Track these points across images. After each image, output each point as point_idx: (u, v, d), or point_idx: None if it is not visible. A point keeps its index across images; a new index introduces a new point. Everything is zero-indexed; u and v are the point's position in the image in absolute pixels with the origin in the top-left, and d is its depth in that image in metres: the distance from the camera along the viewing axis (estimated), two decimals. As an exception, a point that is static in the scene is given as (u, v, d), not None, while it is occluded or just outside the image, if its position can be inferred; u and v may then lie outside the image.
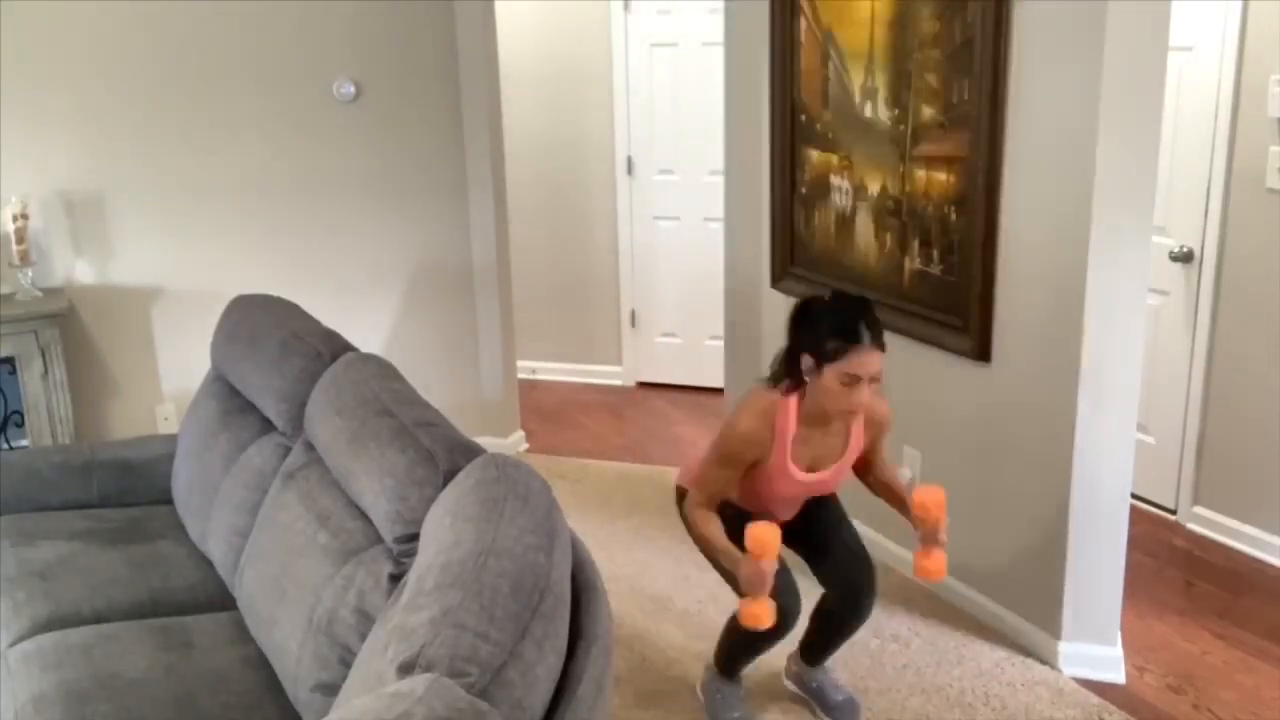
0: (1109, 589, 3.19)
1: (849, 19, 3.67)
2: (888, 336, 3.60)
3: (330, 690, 2.10)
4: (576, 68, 5.72)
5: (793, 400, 2.64)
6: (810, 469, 2.72)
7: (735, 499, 2.76)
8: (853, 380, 2.51)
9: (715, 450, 2.72)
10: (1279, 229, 3.70)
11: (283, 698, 2.28)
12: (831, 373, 2.52)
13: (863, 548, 2.90)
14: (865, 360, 2.51)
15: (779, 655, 3.21)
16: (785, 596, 2.69)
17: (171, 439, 3.37)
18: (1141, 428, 3.84)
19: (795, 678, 3.10)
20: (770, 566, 2.49)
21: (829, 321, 2.54)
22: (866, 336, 2.51)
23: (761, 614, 2.54)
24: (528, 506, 1.88)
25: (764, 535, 2.47)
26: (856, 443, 2.75)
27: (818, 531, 2.88)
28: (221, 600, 2.73)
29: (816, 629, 2.99)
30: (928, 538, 2.66)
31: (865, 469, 2.87)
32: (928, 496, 2.65)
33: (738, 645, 2.93)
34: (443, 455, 2.18)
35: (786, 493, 2.76)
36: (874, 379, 2.54)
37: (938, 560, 2.67)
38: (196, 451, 3.09)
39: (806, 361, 2.57)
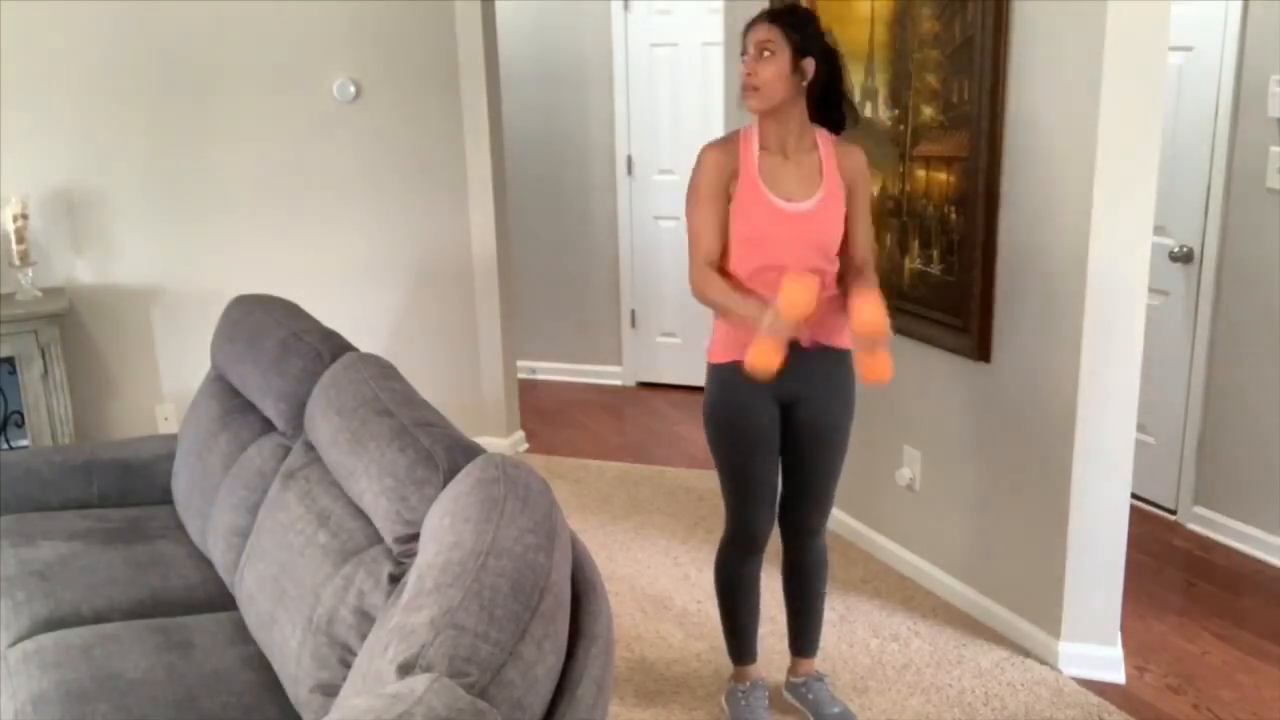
0: (1109, 589, 3.19)
1: (849, 19, 3.67)
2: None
3: (330, 690, 2.10)
4: (576, 68, 5.72)
5: (753, 128, 2.69)
6: (788, 200, 2.66)
7: (729, 277, 2.69)
8: (751, 52, 2.62)
9: (690, 193, 2.72)
10: (1279, 229, 3.70)
11: (283, 698, 2.28)
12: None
13: (826, 508, 2.95)
14: (754, 30, 2.63)
15: (781, 668, 3.21)
16: (761, 520, 2.84)
17: (171, 439, 3.37)
18: (1141, 428, 3.84)
19: (793, 688, 3.10)
20: (794, 327, 2.48)
21: None
22: (766, 15, 2.64)
23: (769, 352, 2.49)
24: (528, 506, 1.88)
25: (796, 292, 2.45)
26: (832, 175, 2.69)
27: (808, 474, 2.87)
28: (221, 600, 2.73)
29: (788, 599, 3.05)
30: (868, 346, 2.58)
31: (844, 246, 2.74)
32: (864, 315, 2.53)
33: (728, 599, 2.98)
34: (443, 455, 2.18)
35: (773, 231, 2.65)
36: (763, 47, 2.60)
37: (882, 360, 2.57)
38: (196, 451, 3.09)
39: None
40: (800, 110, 2.67)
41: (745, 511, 2.86)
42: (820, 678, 3.06)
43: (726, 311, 2.67)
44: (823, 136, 2.72)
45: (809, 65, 2.62)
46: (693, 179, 2.71)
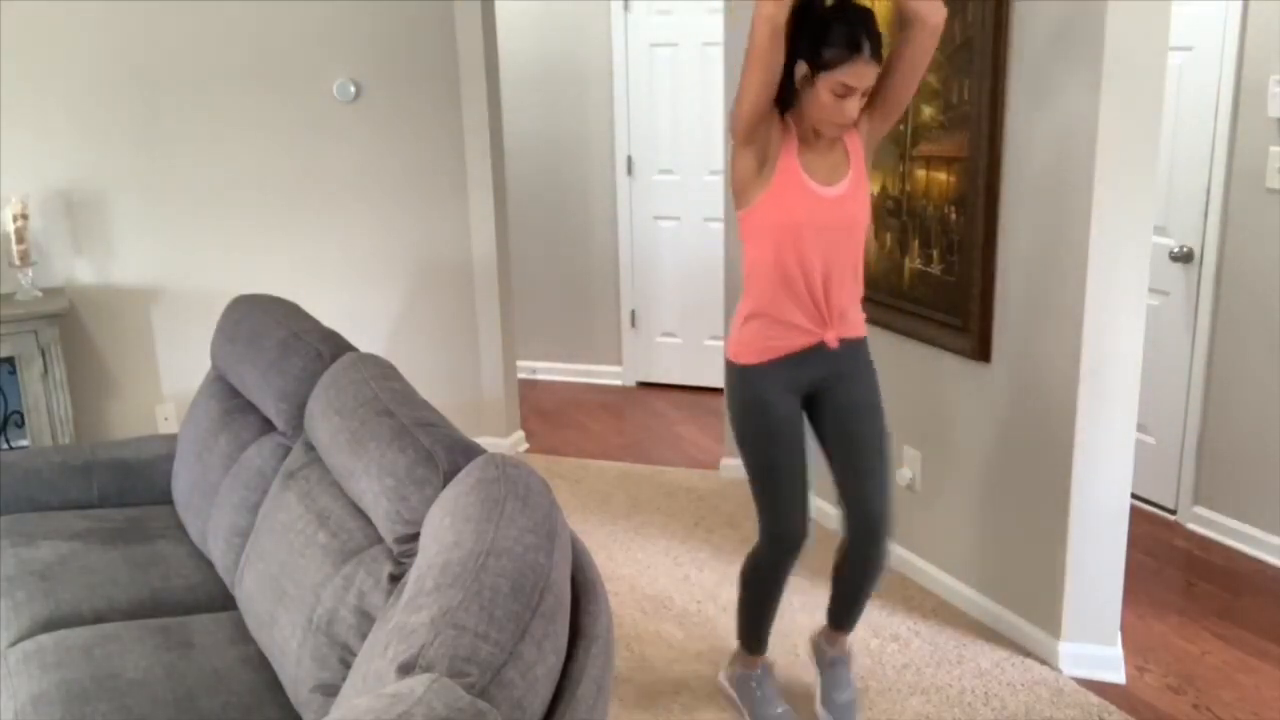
0: (1109, 589, 3.19)
1: (849, 19, 3.67)
2: (888, 336, 3.64)
3: (330, 690, 2.11)
4: (576, 68, 5.73)
5: (790, 120, 2.62)
6: (826, 185, 2.63)
7: (758, 277, 2.67)
8: (847, 91, 2.50)
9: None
10: (1279, 229, 3.70)
11: (283, 698, 2.28)
12: (825, 83, 2.50)
13: (887, 492, 2.83)
14: (862, 72, 2.49)
15: (779, 663, 3.21)
16: (795, 518, 2.76)
17: (171, 439, 3.37)
18: (1141, 428, 3.85)
19: (821, 653, 3.08)
20: None
21: (831, 30, 2.49)
22: (868, 48, 2.48)
23: None
24: (528, 506, 1.88)
25: None
26: (856, 154, 2.67)
27: (856, 451, 2.80)
28: (221, 600, 2.73)
29: (840, 587, 2.97)
30: None
31: (888, 90, 2.63)
32: None
33: (754, 597, 2.93)
34: (443, 455, 2.18)
35: (812, 216, 2.62)
36: (865, 92, 2.53)
37: None
38: (196, 451, 3.09)
39: (800, 69, 2.53)
40: None
41: (782, 507, 2.78)
42: (846, 657, 3.06)
43: None
44: None
45: None
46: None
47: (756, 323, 2.71)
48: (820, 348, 2.72)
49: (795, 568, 2.88)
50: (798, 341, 2.70)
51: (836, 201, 2.64)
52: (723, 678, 3.11)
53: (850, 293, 2.73)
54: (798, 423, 2.77)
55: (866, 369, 2.82)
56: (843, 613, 3.03)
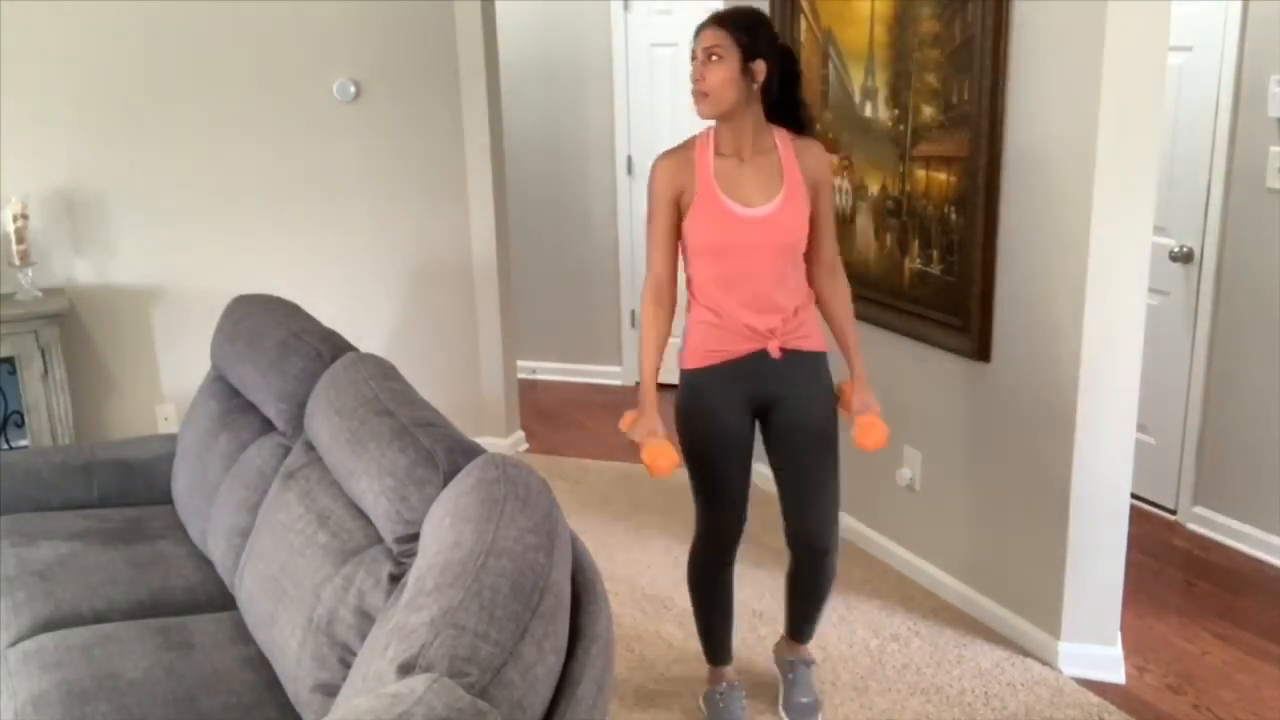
0: (1109, 589, 3.19)
1: (849, 19, 3.67)
2: (888, 336, 3.64)
3: (330, 690, 2.11)
4: (576, 68, 5.72)
5: (710, 133, 2.68)
6: (747, 206, 2.64)
7: (695, 285, 2.74)
8: (696, 54, 2.61)
9: (648, 206, 2.71)
10: (1279, 229, 3.70)
11: (283, 698, 2.28)
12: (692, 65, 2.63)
13: (831, 518, 2.85)
14: (705, 36, 2.60)
15: (764, 659, 3.21)
16: (729, 519, 2.83)
17: (171, 439, 3.37)
18: (1141, 428, 3.84)
19: (780, 661, 3.12)
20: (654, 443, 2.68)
21: None
22: (712, 19, 2.62)
23: (657, 455, 2.68)
24: (528, 506, 1.88)
25: (658, 457, 2.67)
26: (792, 174, 2.66)
27: (801, 480, 2.82)
28: (221, 600, 2.73)
29: (790, 601, 3.03)
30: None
31: (810, 248, 2.75)
32: (870, 439, 2.74)
33: (701, 597, 2.97)
34: (443, 455, 2.18)
35: (734, 240, 2.65)
36: (710, 52, 2.58)
37: (879, 429, 2.75)
38: (196, 451, 3.09)
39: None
40: (755, 113, 2.63)
41: (713, 515, 2.86)
42: (809, 662, 3.07)
43: (641, 356, 2.85)
44: (781, 136, 2.69)
45: (759, 68, 2.58)
46: (648, 191, 2.71)
47: (700, 328, 2.75)
48: (763, 356, 2.72)
49: (736, 567, 2.93)
50: (740, 347, 2.72)
51: (761, 221, 2.63)
52: (700, 700, 3.11)
53: (791, 302, 2.71)
54: (743, 438, 2.79)
55: (821, 390, 2.79)
56: (797, 626, 3.07)
